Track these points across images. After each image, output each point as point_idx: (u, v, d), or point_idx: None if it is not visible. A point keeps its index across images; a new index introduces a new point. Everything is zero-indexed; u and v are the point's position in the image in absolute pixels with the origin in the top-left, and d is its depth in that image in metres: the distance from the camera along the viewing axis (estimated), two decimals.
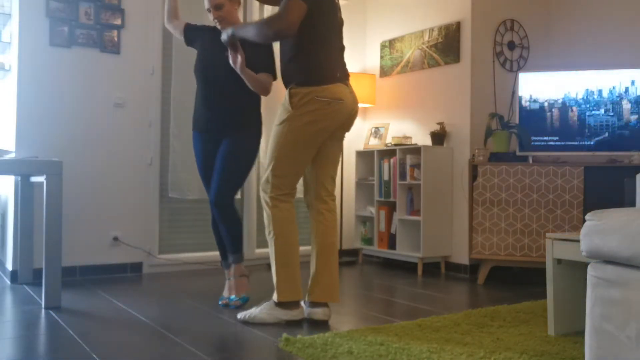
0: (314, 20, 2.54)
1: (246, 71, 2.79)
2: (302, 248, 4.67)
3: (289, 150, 2.57)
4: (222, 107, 3.00)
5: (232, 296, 2.98)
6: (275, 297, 2.60)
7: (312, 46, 2.57)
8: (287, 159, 2.58)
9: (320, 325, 2.57)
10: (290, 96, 2.55)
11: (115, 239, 3.88)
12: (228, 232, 3.00)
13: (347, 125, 2.68)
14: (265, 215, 2.63)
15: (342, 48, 2.71)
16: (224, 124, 3.01)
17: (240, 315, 2.64)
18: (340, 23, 2.70)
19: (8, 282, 3.62)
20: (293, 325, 2.56)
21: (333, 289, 2.64)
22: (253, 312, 2.61)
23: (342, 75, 2.64)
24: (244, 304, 2.95)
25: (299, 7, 2.44)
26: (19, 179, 3.60)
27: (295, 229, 2.62)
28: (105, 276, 3.83)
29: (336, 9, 2.68)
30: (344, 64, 2.69)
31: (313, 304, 2.64)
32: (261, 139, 3.12)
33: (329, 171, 2.72)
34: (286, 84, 2.62)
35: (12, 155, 3.53)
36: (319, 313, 2.61)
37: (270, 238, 2.61)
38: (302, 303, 2.68)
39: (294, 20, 2.44)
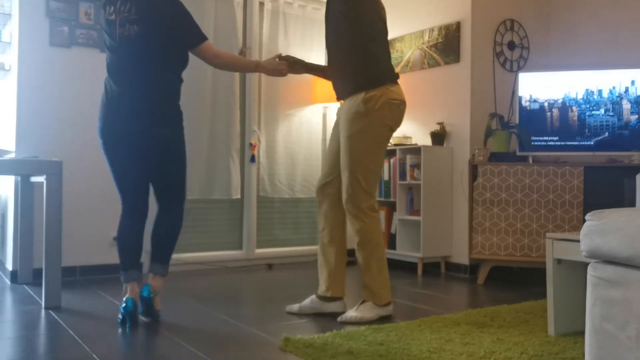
0: (370, 19, 2.65)
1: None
2: (303, 248, 4.68)
3: (375, 159, 2.63)
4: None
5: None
6: (379, 300, 2.65)
7: (372, 45, 2.65)
8: (375, 167, 2.64)
9: (327, 321, 2.58)
10: (365, 101, 2.57)
11: (115, 238, 3.87)
12: (173, 239, 2.83)
13: None
14: (357, 227, 2.62)
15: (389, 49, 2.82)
16: None
17: (345, 318, 2.64)
18: (385, 23, 2.77)
19: (8, 282, 3.62)
20: (296, 325, 2.57)
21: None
22: (354, 314, 2.63)
23: (397, 75, 2.76)
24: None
25: None
26: (19, 179, 3.60)
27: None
28: (105, 276, 3.83)
29: (381, 8, 2.75)
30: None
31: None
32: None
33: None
34: (353, 90, 2.63)
35: (12, 155, 3.53)
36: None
37: (371, 246, 2.63)
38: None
39: None
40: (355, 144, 2.59)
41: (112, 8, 2.59)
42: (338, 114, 2.74)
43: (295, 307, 2.81)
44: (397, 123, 2.69)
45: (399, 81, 2.79)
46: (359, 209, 2.61)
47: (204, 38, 2.65)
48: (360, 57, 2.63)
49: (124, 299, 2.58)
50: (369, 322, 2.59)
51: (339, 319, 2.65)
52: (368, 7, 2.66)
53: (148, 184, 2.72)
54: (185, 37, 2.62)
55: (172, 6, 2.59)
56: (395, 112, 2.64)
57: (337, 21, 2.67)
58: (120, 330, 2.46)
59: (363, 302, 2.67)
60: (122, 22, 2.55)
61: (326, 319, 2.69)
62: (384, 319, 2.67)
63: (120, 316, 2.58)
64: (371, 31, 2.64)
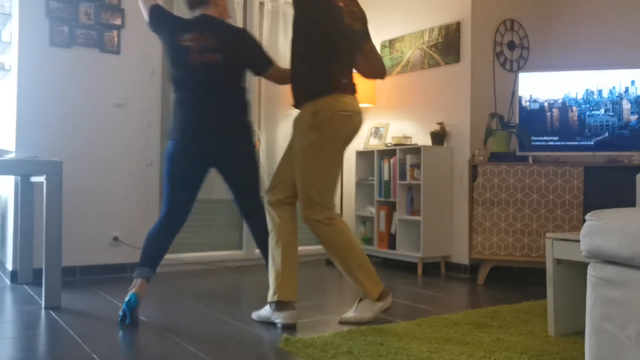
0: (323, 28, 2.54)
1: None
2: (303, 248, 4.68)
3: (327, 171, 2.55)
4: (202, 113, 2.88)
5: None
6: (372, 296, 2.60)
7: (323, 55, 2.54)
8: (327, 179, 2.56)
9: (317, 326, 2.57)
10: (313, 113, 2.49)
11: (115, 239, 3.88)
12: (169, 241, 2.85)
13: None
14: (320, 239, 2.58)
15: (352, 59, 2.66)
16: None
17: (346, 318, 2.62)
18: (350, 32, 2.61)
19: (8, 282, 3.62)
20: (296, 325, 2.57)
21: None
22: (353, 314, 2.61)
23: (353, 86, 2.63)
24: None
25: None
26: (19, 179, 3.60)
27: (350, 231, 2.64)
28: (105, 276, 3.83)
29: (344, 13, 2.59)
30: (353, 77, 2.65)
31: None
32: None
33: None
34: (302, 99, 2.56)
35: (12, 155, 3.53)
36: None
37: (340, 254, 2.56)
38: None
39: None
40: (307, 159, 2.52)
41: (188, 35, 2.76)
42: (293, 122, 2.64)
43: (254, 314, 2.71)
44: (351, 136, 2.58)
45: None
46: (315, 222, 2.56)
47: (271, 63, 2.88)
48: (307, 67, 2.55)
49: (129, 293, 2.62)
50: (369, 322, 2.59)
51: (339, 320, 2.64)
52: (322, 14, 2.53)
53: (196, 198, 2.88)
54: (259, 65, 2.88)
55: (247, 39, 2.85)
56: (347, 123, 2.52)
57: (292, 29, 2.62)
58: (120, 329, 2.46)
59: (360, 300, 2.66)
60: (202, 49, 2.73)
61: (327, 319, 2.69)
62: (384, 318, 2.67)
63: (121, 312, 2.60)
64: (321, 39, 2.53)
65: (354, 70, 2.71)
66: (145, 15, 2.90)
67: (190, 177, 2.76)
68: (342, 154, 2.60)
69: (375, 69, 2.81)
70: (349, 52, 2.63)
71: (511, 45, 4.26)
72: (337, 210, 4.84)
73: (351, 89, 2.60)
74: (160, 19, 2.85)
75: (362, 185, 4.73)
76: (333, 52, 2.56)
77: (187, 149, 2.74)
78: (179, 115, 2.77)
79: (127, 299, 2.60)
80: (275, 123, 4.55)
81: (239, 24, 4.38)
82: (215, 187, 4.24)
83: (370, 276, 2.61)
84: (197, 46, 2.73)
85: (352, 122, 2.56)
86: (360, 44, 2.70)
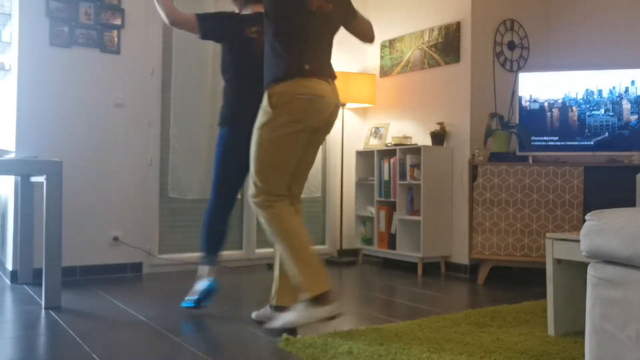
0: (284, 12, 2.46)
1: None
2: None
3: (272, 154, 2.45)
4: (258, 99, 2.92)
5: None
6: (305, 296, 2.32)
7: (284, 40, 2.47)
8: (270, 162, 2.45)
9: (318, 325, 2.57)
10: (269, 97, 2.43)
11: (115, 239, 3.88)
12: (221, 233, 3.01)
13: (327, 126, 2.55)
14: (263, 221, 2.47)
15: (325, 42, 2.56)
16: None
17: (271, 325, 2.40)
18: (320, 14, 2.52)
19: (8, 282, 3.62)
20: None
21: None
22: (287, 317, 2.35)
23: (322, 70, 2.50)
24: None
25: None
26: (19, 179, 3.60)
27: (299, 221, 2.47)
28: (105, 276, 3.83)
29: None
30: (327, 60, 2.55)
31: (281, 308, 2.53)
32: None
33: (297, 177, 2.61)
34: (265, 84, 2.50)
35: (12, 155, 3.53)
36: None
37: (278, 239, 2.40)
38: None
39: None
40: (255, 139, 2.47)
41: (254, 28, 2.89)
42: None
43: (253, 314, 2.68)
44: (306, 117, 2.44)
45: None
46: (254, 204, 2.49)
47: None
48: (270, 52, 2.51)
49: (210, 278, 2.82)
50: (293, 325, 2.31)
51: (263, 326, 2.48)
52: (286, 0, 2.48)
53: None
54: None
55: None
56: (304, 105, 2.40)
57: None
58: (120, 330, 2.46)
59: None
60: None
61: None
62: (384, 319, 2.67)
63: (199, 296, 2.79)
64: (284, 25, 2.47)
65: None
66: (188, 27, 2.87)
67: (241, 161, 2.87)
68: (297, 139, 2.46)
69: (366, 38, 2.79)
70: (314, 35, 2.52)
71: (511, 45, 4.26)
72: (337, 210, 4.84)
73: (317, 73, 2.46)
74: (212, 23, 2.89)
75: (362, 185, 4.73)
76: (293, 36, 2.48)
77: (241, 135, 2.84)
78: (235, 102, 2.89)
79: (208, 283, 2.79)
80: None
81: None
82: None
83: (312, 270, 2.35)
84: (261, 39, 2.88)
85: (312, 106, 2.43)
86: (334, 24, 2.60)
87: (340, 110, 4.53)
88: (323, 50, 2.57)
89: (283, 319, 2.35)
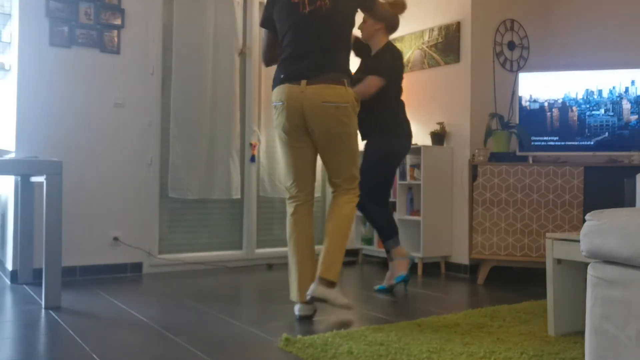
0: (279, 24, 2.72)
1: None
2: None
3: (280, 156, 2.80)
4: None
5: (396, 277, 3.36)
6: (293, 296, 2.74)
7: (280, 50, 2.74)
8: (283, 164, 2.79)
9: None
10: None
11: (115, 239, 3.88)
12: (373, 226, 3.44)
13: (320, 126, 2.61)
14: None
15: (325, 39, 2.63)
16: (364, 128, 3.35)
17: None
18: (316, 14, 2.61)
19: (8, 282, 3.62)
20: (296, 325, 2.56)
21: (325, 264, 2.64)
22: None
23: (300, 73, 2.61)
24: (399, 283, 3.33)
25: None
26: (19, 179, 3.60)
27: (298, 231, 2.72)
28: (105, 276, 3.83)
29: (293, 6, 2.63)
30: (306, 62, 2.61)
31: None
32: (393, 146, 3.40)
33: (330, 175, 2.79)
34: None
35: (12, 155, 3.53)
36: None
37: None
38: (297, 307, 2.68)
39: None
40: None
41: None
42: None
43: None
44: (279, 125, 2.68)
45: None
46: None
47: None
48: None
49: (402, 273, 3.34)
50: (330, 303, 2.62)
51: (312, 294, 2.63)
52: (275, 9, 2.72)
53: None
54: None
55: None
56: (277, 112, 2.68)
57: None
58: (120, 330, 2.46)
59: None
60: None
61: (327, 319, 2.70)
62: (384, 319, 2.67)
63: (402, 280, 3.32)
64: (279, 35, 2.74)
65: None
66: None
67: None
68: (283, 143, 2.72)
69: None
70: (306, 38, 2.63)
71: (511, 45, 4.26)
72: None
73: (291, 79, 2.62)
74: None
75: None
76: (283, 46, 2.70)
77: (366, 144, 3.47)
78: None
79: (405, 272, 3.32)
80: None
81: (239, 23, 4.38)
82: (215, 187, 4.23)
83: (291, 278, 2.73)
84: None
85: (277, 112, 2.68)
86: (339, 18, 2.65)
87: None
88: (320, 49, 2.64)
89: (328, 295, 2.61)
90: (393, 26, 3.46)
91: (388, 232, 3.39)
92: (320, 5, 2.60)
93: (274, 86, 2.70)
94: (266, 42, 2.82)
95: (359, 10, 2.80)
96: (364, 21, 3.41)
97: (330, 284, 2.60)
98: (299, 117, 2.62)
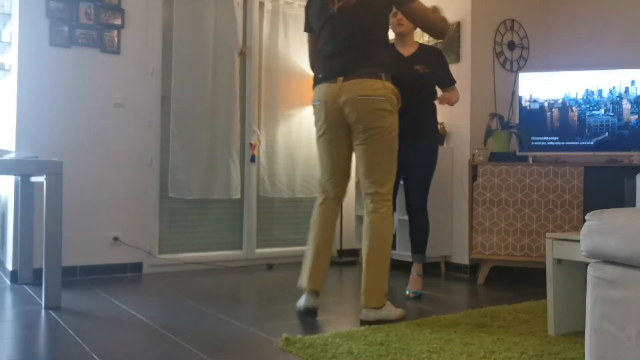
0: (314, 27, 2.79)
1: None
2: (303, 248, 4.68)
3: (318, 153, 2.84)
4: (409, 114, 3.13)
5: (407, 290, 3.32)
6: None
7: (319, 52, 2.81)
8: (320, 160, 2.83)
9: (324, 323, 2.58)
10: None
11: (115, 239, 3.88)
12: (417, 233, 3.41)
13: (357, 123, 2.61)
14: None
15: (356, 37, 2.63)
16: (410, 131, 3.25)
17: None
18: (343, 12, 2.63)
19: (8, 282, 3.62)
20: (296, 325, 2.56)
21: (367, 293, 2.60)
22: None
23: (333, 72, 2.65)
24: (416, 298, 3.25)
25: None
26: (19, 179, 3.60)
27: (321, 224, 2.75)
28: (105, 276, 3.83)
29: (324, 5, 2.69)
30: (341, 59, 2.63)
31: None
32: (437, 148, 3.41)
33: (362, 174, 2.70)
34: None
35: (12, 155, 3.53)
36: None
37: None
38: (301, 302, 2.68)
39: None
40: None
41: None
42: None
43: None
44: (317, 123, 2.76)
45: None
46: None
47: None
48: None
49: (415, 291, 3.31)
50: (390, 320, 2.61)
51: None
52: (310, 12, 2.84)
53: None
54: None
55: None
56: (315, 111, 2.77)
57: None
58: (120, 330, 2.46)
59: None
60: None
61: (327, 319, 2.69)
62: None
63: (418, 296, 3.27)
64: (317, 37, 2.81)
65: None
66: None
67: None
68: (321, 141, 2.77)
69: (432, 31, 2.75)
70: (336, 38, 2.66)
71: (511, 45, 4.26)
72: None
73: (327, 78, 2.67)
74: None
75: None
76: (320, 48, 2.76)
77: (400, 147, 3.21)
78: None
79: (420, 289, 3.31)
80: (275, 123, 4.55)
81: (239, 23, 4.38)
82: (215, 187, 4.23)
83: (304, 265, 2.79)
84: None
85: (317, 111, 2.74)
86: (368, 15, 2.63)
87: None
88: (354, 45, 2.65)
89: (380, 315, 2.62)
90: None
91: (425, 245, 3.44)
92: (347, 1, 2.62)
93: (314, 86, 2.77)
94: (309, 46, 2.89)
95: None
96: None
97: (378, 308, 2.60)
98: (337, 114, 2.65)
